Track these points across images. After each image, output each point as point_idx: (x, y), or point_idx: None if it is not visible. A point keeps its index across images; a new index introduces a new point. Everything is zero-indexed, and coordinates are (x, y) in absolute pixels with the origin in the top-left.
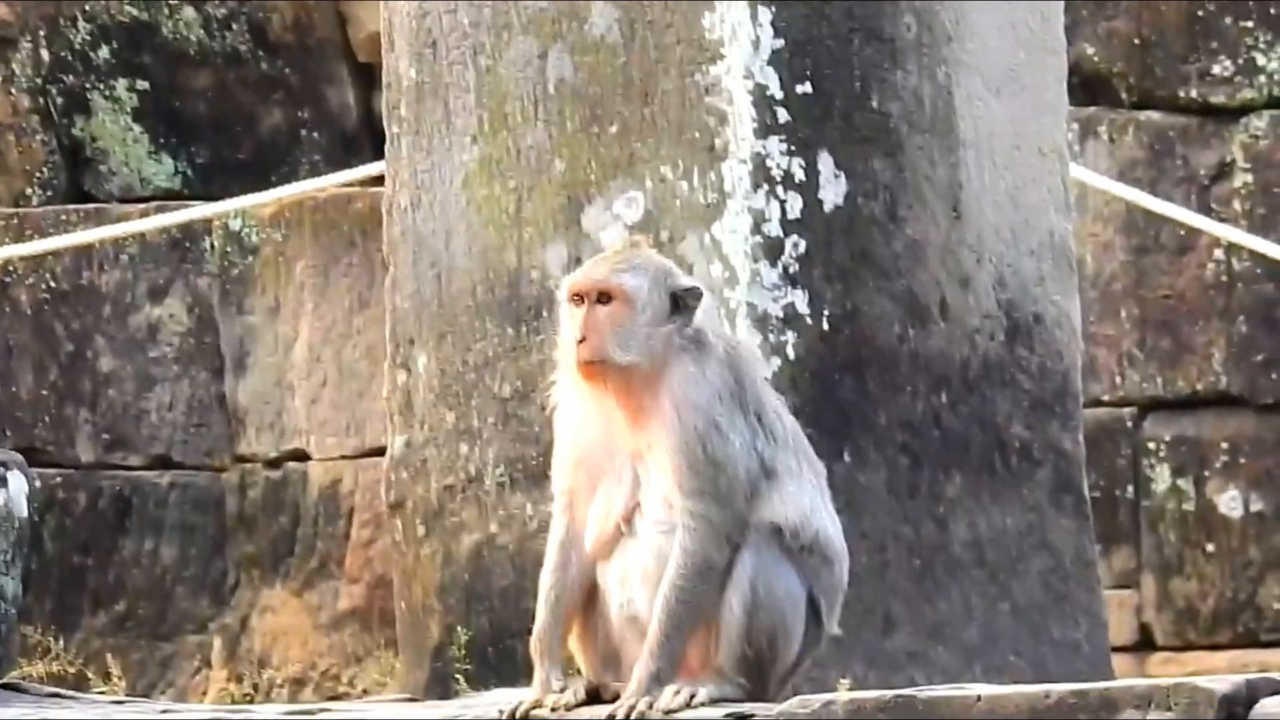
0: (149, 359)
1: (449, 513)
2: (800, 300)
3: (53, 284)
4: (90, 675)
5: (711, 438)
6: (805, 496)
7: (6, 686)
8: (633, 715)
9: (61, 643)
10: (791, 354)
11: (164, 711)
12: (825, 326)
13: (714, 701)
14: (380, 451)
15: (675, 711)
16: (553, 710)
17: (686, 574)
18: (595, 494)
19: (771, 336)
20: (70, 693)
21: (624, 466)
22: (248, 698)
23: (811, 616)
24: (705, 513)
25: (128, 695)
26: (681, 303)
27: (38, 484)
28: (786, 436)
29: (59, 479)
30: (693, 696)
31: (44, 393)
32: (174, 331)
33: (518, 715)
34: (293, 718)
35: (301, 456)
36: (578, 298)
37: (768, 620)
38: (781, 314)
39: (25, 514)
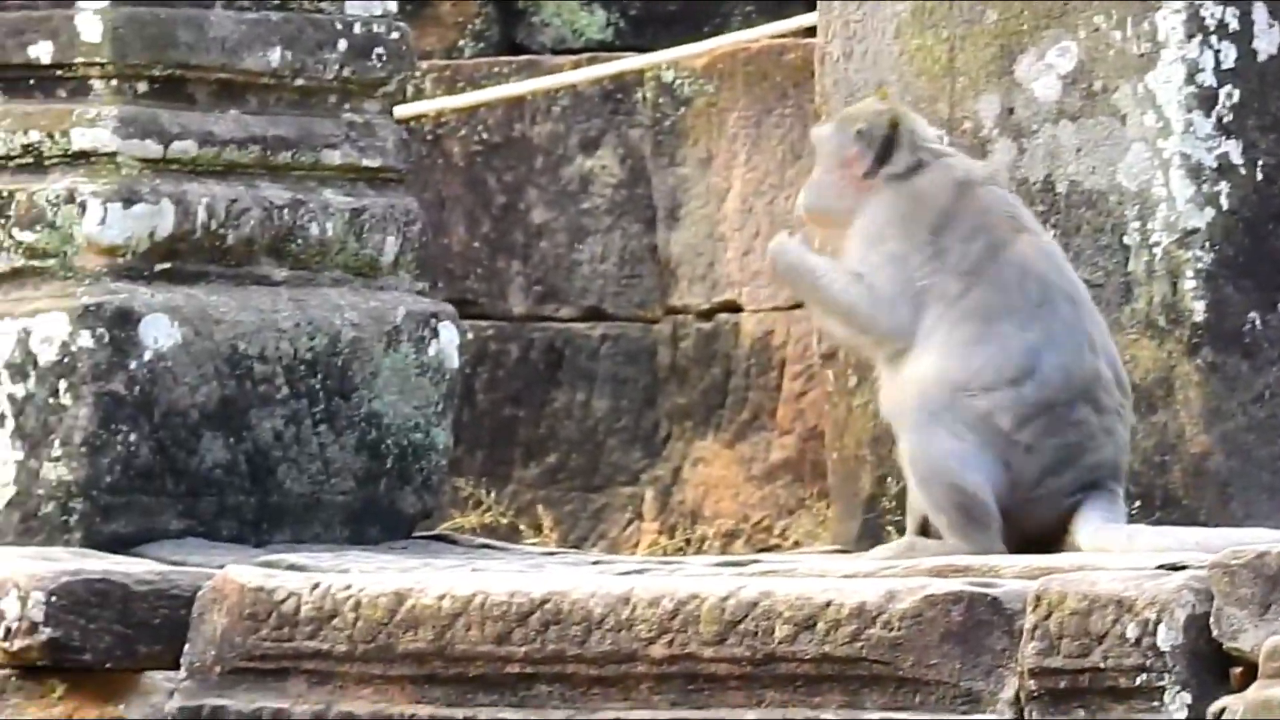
0: (581, 211)
1: None
2: (1234, 150)
3: (484, 136)
4: (522, 527)
5: (854, 246)
6: (953, 320)
7: (439, 537)
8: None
9: (493, 495)
10: (1225, 204)
11: (595, 563)
12: (1259, 177)
13: (932, 569)
14: None
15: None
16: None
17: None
18: None
19: (1205, 187)
20: (501, 544)
21: None
22: (680, 550)
23: (999, 440)
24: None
25: (559, 547)
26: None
27: (469, 336)
28: (964, 260)
29: (490, 331)
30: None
31: (475, 245)
32: (606, 183)
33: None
34: (724, 568)
35: (734, 308)
36: None
37: (941, 487)
38: (1215, 164)
39: (456, 366)
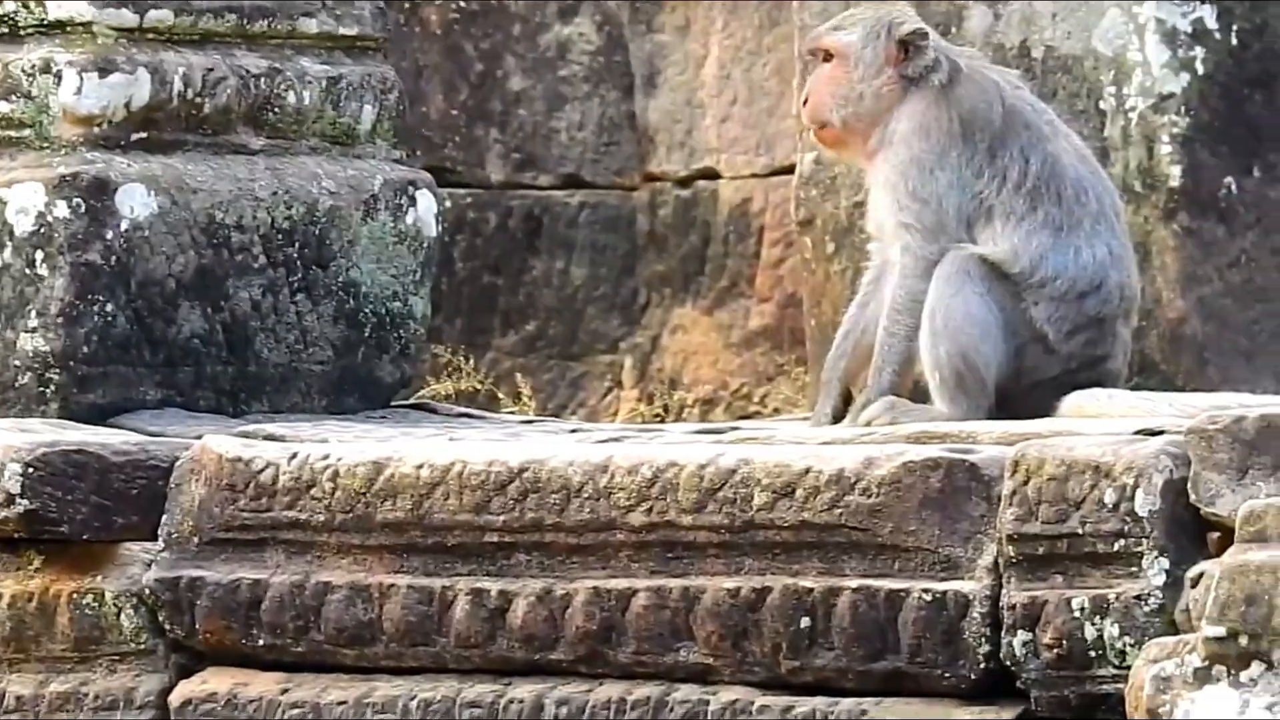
0: (559, 78)
1: (858, 230)
2: (1209, 15)
3: (462, 3)
4: (500, 395)
5: (910, 173)
6: (1023, 234)
7: (417, 406)
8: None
9: (471, 363)
10: (1200, 70)
11: (574, 430)
12: (1234, 42)
13: (910, 435)
14: (790, 170)
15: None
16: None
17: (894, 307)
18: None
19: (1180, 52)
20: (480, 412)
21: None
22: (658, 418)
23: (1035, 343)
24: (910, 246)
25: (538, 415)
26: (910, 48)
27: (447, 204)
28: (1025, 178)
29: (469, 199)
30: (870, 422)
31: (453, 112)
32: (584, 50)
33: None
34: (702, 436)
35: (712, 175)
36: (811, 57)
37: (949, 347)
38: (1190, 29)
39: (434, 234)
